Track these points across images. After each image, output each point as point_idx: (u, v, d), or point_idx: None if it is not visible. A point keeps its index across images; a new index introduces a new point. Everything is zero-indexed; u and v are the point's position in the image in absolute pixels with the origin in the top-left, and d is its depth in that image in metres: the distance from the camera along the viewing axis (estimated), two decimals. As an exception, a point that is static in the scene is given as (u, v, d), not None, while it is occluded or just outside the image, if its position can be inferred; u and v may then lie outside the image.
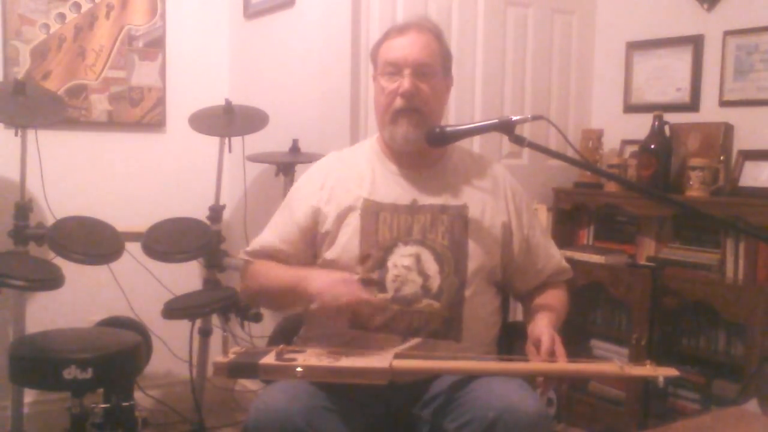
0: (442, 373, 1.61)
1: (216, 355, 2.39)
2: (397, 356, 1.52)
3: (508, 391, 1.48)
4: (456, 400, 1.54)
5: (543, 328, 1.60)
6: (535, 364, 1.53)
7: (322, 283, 1.57)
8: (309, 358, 1.51)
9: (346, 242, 1.70)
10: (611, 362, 1.50)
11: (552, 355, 1.53)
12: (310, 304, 1.56)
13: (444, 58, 1.77)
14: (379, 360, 1.49)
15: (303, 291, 1.59)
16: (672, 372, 1.44)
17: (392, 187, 1.75)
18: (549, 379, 1.52)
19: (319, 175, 1.83)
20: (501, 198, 1.78)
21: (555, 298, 1.80)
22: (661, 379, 1.42)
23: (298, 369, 1.46)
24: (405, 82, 1.68)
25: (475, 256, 1.69)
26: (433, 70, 1.73)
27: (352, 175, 1.79)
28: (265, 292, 1.77)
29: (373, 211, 1.71)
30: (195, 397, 2.74)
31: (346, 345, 1.63)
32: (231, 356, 1.54)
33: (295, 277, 1.65)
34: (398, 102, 1.70)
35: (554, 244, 1.89)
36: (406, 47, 1.71)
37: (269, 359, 1.49)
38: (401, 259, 1.66)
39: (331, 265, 1.71)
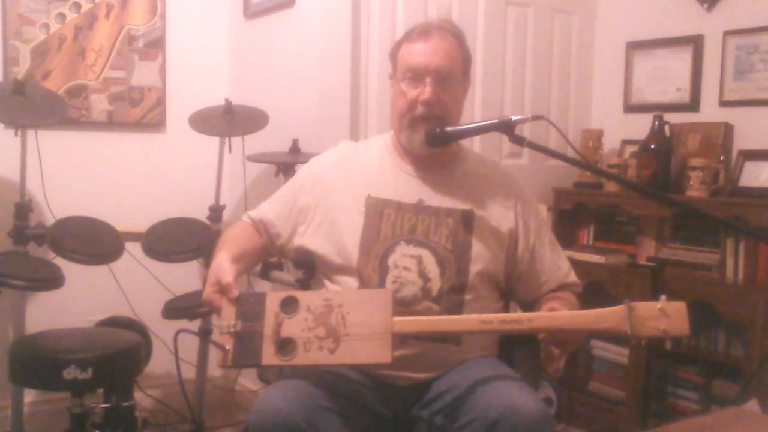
0: (442, 333, 1.57)
1: (216, 355, 2.38)
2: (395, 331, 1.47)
3: (509, 391, 1.48)
4: (457, 401, 1.54)
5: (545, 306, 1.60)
6: (539, 319, 1.49)
7: (210, 271, 1.62)
8: (307, 337, 1.45)
9: (348, 239, 1.70)
10: (618, 308, 1.42)
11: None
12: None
13: (464, 62, 1.76)
14: (380, 345, 1.44)
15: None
16: (682, 330, 1.38)
17: (400, 185, 1.75)
18: (554, 341, 1.50)
19: (329, 163, 1.85)
20: (510, 206, 1.77)
21: (563, 295, 1.78)
22: (668, 342, 1.40)
23: (301, 365, 1.46)
24: (427, 91, 1.67)
25: (478, 261, 1.69)
26: (454, 77, 1.72)
27: (360, 170, 1.79)
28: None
29: (377, 209, 1.71)
30: (186, 398, 2.72)
31: None
32: (225, 339, 1.49)
33: (216, 253, 1.72)
34: (419, 109, 1.69)
35: (565, 257, 1.84)
36: (429, 54, 1.69)
37: (269, 352, 1.46)
38: (402, 259, 1.66)
39: (328, 260, 1.72)
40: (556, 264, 1.80)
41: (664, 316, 1.40)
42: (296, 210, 1.80)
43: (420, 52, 1.70)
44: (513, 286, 1.80)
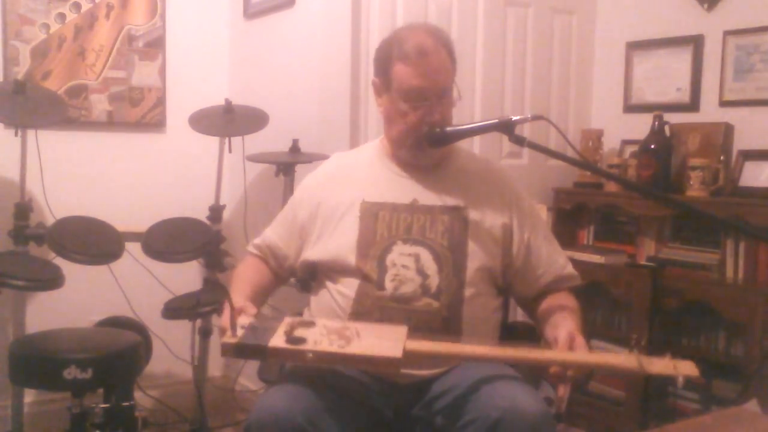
0: (455, 357, 1.59)
1: (216, 355, 2.38)
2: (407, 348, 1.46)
3: (511, 391, 1.48)
4: (458, 400, 1.54)
5: (563, 328, 1.58)
6: (551, 353, 1.49)
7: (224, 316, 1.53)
8: (320, 339, 1.45)
9: (344, 243, 1.71)
10: (629, 354, 1.47)
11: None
12: None
13: (454, 66, 1.77)
14: (391, 346, 1.43)
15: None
16: (692, 371, 1.40)
17: (393, 187, 1.76)
18: (562, 374, 1.48)
19: (322, 176, 1.88)
20: (504, 201, 1.78)
21: (566, 301, 1.76)
22: (681, 380, 1.40)
23: (309, 355, 1.42)
24: (436, 113, 1.69)
25: (475, 257, 1.69)
26: (450, 87, 1.73)
27: (353, 177, 1.81)
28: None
29: (372, 212, 1.72)
30: (194, 398, 2.74)
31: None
32: (239, 333, 1.46)
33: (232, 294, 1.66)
34: (425, 129, 1.70)
35: (561, 250, 1.85)
36: (431, 75, 1.68)
37: (278, 341, 1.44)
38: (400, 258, 1.67)
39: (328, 265, 1.72)
40: (552, 257, 1.81)
41: (673, 361, 1.42)
42: (297, 227, 1.83)
43: (421, 75, 1.68)
44: (511, 282, 1.80)
